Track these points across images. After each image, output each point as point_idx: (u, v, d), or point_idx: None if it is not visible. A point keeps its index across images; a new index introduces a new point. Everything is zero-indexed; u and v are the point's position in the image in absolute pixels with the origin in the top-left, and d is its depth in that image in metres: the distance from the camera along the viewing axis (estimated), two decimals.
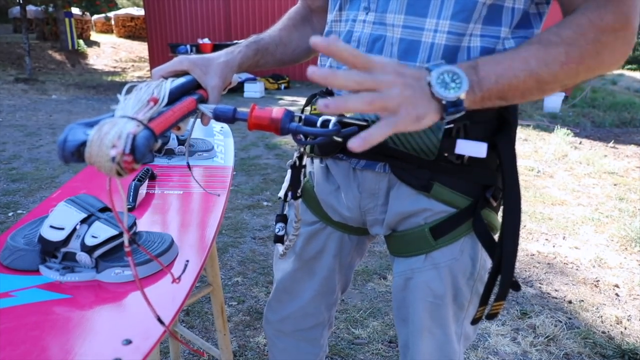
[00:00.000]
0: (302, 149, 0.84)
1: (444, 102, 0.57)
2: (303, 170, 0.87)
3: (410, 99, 0.54)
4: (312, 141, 0.72)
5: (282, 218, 0.90)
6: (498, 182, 0.75)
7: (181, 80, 0.69)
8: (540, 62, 0.61)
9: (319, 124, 0.70)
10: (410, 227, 0.79)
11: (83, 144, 0.47)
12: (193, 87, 0.73)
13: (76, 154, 0.47)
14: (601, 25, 0.62)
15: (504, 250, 0.72)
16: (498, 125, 0.73)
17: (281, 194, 0.93)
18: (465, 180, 0.75)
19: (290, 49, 0.92)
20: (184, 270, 0.73)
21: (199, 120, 0.71)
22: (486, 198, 0.75)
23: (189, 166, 0.86)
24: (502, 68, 0.61)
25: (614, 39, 0.63)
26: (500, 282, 0.73)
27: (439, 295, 0.79)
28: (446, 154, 0.72)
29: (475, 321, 0.80)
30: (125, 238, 0.51)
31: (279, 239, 0.91)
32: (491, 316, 0.78)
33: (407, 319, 0.84)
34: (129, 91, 0.57)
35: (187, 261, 0.69)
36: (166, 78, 0.70)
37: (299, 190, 0.87)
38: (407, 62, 0.70)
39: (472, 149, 0.70)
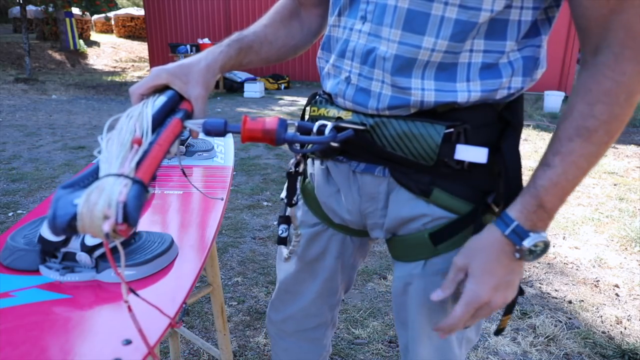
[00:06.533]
0: (298, 157, 0.82)
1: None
2: (300, 177, 0.86)
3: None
4: (309, 149, 0.70)
5: (285, 219, 0.88)
6: (500, 187, 0.73)
7: (162, 100, 0.64)
8: (590, 158, 0.62)
9: (315, 130, 0.67)
10: (409, 232, 0.78)
11: (74, 217, 0.44)
12: (176, 102, 0.68)
13: (68, 229, 0.45)
14: (626, 81, 0.59)
15: None
16: (501, 128, 0.71)
17: (283, 195, 0.92)
18: (466, 186, 0.72)
19: (276, 48, 0.88)
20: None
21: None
22: (487, 204, 0.73)
23: (183, 172, 0.83)
24: (562, 188, 0.64)
25: None
26: None
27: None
28: (446, 160, 0.69)
29: (498, 332, 0.80)
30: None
31: (282, 241, 0.89)
32: (499, 331, 0.78)
33: (406, 323, 0.83)
34: (110, 128, 0.53)
35: None
36: (147, 96, 0.66)
37: (295, 198, 0.85)
38: (400, 78, 0.68)
39: (472, 154, 0.68)
